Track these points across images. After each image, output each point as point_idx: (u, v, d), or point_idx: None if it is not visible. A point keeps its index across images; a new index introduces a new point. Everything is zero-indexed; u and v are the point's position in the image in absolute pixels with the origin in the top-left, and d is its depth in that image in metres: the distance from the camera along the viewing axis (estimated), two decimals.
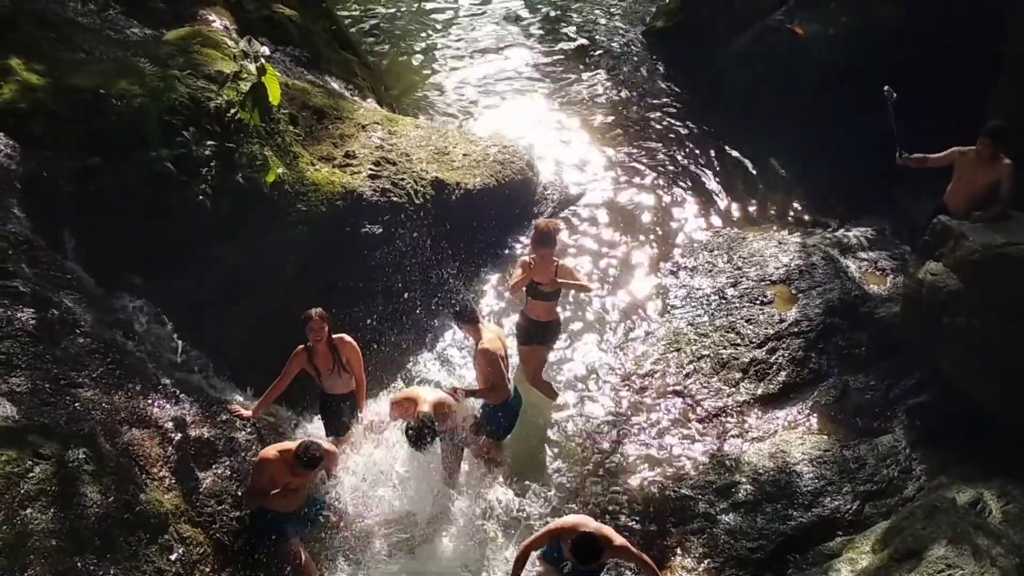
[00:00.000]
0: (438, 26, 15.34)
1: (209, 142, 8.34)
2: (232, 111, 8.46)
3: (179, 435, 7.22)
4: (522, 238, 10.95)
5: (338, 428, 8.25)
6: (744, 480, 8.27)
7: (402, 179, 9.94)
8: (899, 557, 6.60)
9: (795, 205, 11.87)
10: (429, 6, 15.87)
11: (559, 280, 8.62)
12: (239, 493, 7.26)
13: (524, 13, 15.94)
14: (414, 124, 11.35)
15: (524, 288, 8.76)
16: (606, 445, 8.87)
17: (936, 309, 8.79)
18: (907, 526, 6.92)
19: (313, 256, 8.95)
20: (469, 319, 8.23)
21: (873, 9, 12.41)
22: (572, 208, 11.68)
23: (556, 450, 8.91)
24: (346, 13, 15.24)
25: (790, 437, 8.68)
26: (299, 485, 7.13)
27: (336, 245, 9.09)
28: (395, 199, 9.72)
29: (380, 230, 9.48)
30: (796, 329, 9.69)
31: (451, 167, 10.68)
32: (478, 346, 8.06)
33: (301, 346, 7.78)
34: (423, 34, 15.14)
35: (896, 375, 9.17)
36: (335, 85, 11.37)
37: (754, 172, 12.39)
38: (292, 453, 6.91)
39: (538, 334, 9.02)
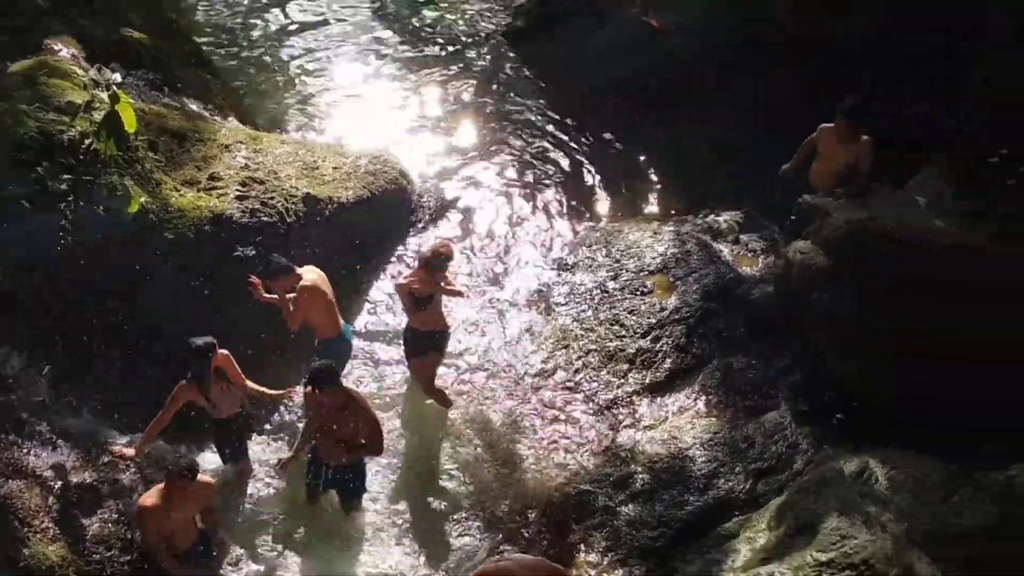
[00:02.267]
0: (299, 39, 15.04)
1: (65, 176, 8.00)
2: (87, 142, 8.14)
3: (59, 483, 6.96)
4: (401, 249, 10.87)
5: (236, 453, 8.06)
6: (640, 470, 8.38)
7: (271, 198, 9.75)
8: (794, 532, 6.78)
9: (666, 195, 12.09)
10: (289, 20, 15.53)
11: (440, 287, 8.58)
12: (128, 536, 7.01)
13: (384, 23, 15.78)
14: (279, 140, 11.12)
15: (407, 300, 8.71)
16: (502, 449, 8.86)
17: (806, 286, 9.08)
18: (799, 500, 7.12)
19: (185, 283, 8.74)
20: (282, 270, 8.23)
21: None
22: (449, 213, 11.65)
23: (453, 459, 8.87)
24: (202, 32, 14.81)
25: (680, 423, 8.83)
26: (180, 525, 6.92)
27: (208, 271, 8.87)
28: (266, 219, 9.54)
29: (253, 252, 9.27)
30: (677, 316, 9.87)
31: (322, 181, 10.51)
32: (300, 285, 8.23)
33: (184, 381, 7.55)
34: (284, 49, 14.83)
35: (775, 353, 9.42)
36: (193, 107, 11.05)
37: (624, 165, 12.55)
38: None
39: (425, 344, 8.95)
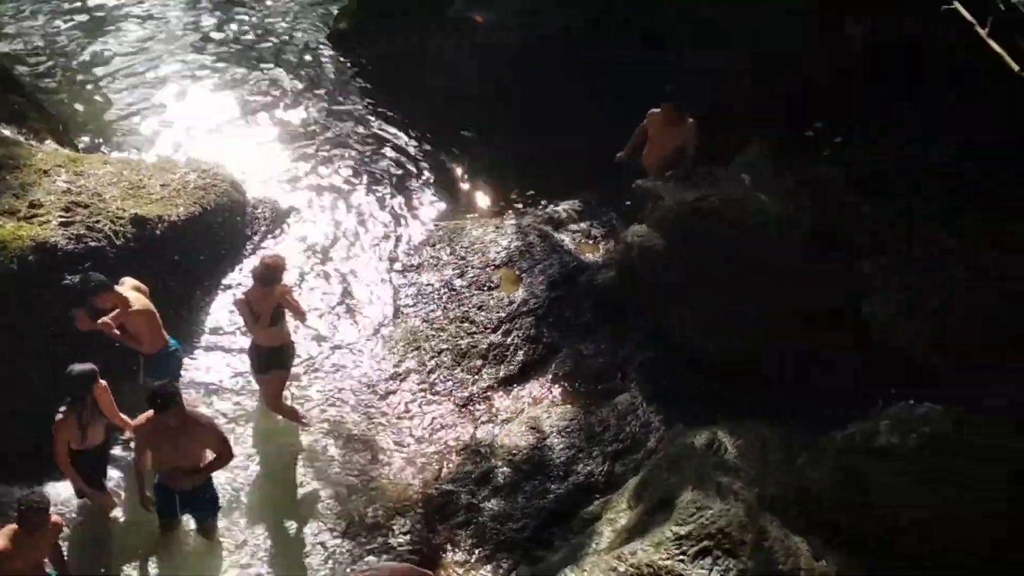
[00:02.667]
0: (115, 54, 14.40)
1: None
2: None
3: None
4: (238, 263, 10.60)
5: (97, 485, 7.77)
6: (501, 464, 8.45)
7: (97, 221, 9.35)
8: (653, 508, 6.96)
9: (505, 189, 12.16)
10: (102, 37, 14.86)
11: (282, 301, 8.39)
12: None
13: (204, 29, 15.33)
14: (102, 161, 10.64)
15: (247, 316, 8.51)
16: (360, 457, 8.76)
17: (647, 268, 9.35)
18: (655, 478, 7.32)
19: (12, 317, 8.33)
20: (102, 286, 7.93)
21: None
22: (286, 222, 11.41)
23: (311, 472, 8.69)
24: (8, 55, 14.02)
25: (537, 413, 8.94)
26: (29, 570, 6.57)
27: (35, 303, 8.44)
28: (93, 243, 9.15)
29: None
30: (525, 308, 9.99)
31: (150, 200, 10.10)
32: (131, 310, 7.99)
33: (60, 414, 7.23)
34: (100, 65, 14.18)
35: (622, 336, 9.66)
36: (7, 132, 10.48)
37: (461, 162, 12.57)
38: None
39: (271, 360, 8.74)
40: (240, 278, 10.50)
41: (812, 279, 8.86)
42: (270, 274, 8.31)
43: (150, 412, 7.14)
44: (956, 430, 6.78)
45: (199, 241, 10.21)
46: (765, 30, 11.01)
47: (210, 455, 7.41)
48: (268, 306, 8.36)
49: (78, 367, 7.32)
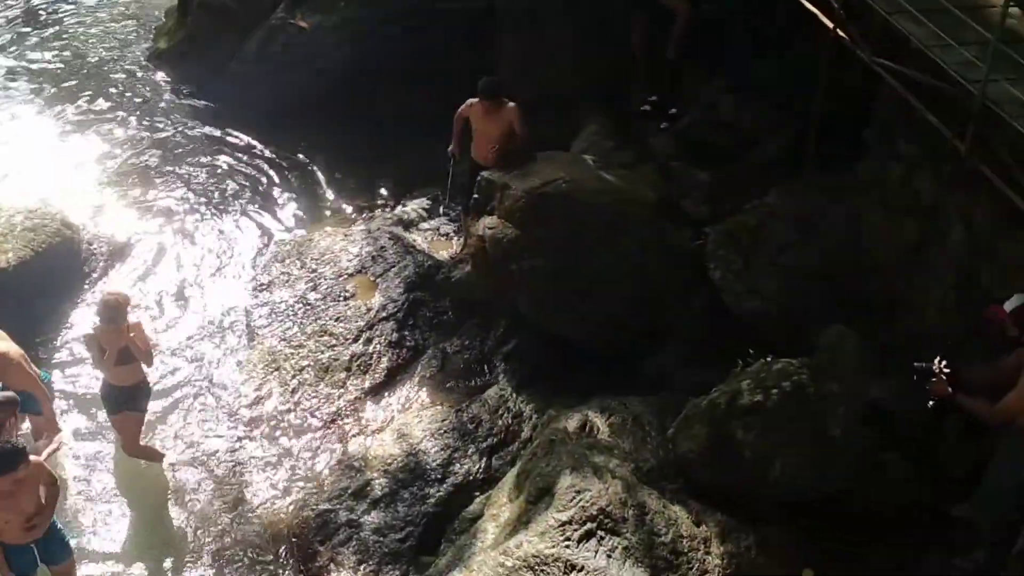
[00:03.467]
0: None
1: None
2: None
3: None
4: (78, 307, 10.12)
5: None
6: (376, 475, 8.28)
7: None
8: (534, 499, 6.94)
9: (349, 196, 11.95)
10: None
11: (131, 340, 8.04)
12: None
13: (15, 56, 14.57)
14: None
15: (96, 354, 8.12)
16: (231, 490, 8.46)
17: (501, 259, 9.32)
18: (532, 467, 7.30)
19: None
20: None
21: None
22: (125, 256, 10.94)
23: (183, 513, 8.34)
24: None
25: (407, 419, 8.82)
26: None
27: None
28: None
29: None
30: (384, 314, 9.83)
31: None
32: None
33: None
34: None
35: (485, 329, 9.62)
36: None
37: (299, 173, 12.30)
38: None
39: (125, 400, 8.35)
40: (80, 320, 10.00)
41: (661, 252, 9.04)
42: (112, 312, 7.97)
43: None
44: (813, 380, 6.99)
45: (33, 286, 9.73)
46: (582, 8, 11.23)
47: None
48: (116, 344, 8.01)
49: None
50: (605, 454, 7.15)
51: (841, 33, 7.87)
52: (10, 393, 7.39)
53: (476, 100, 9.76)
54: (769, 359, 7.28)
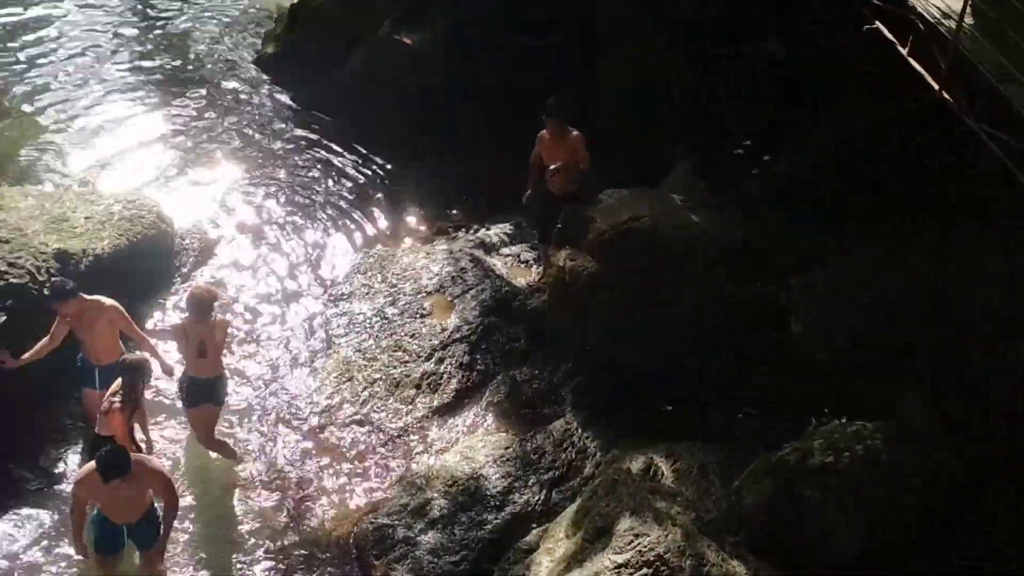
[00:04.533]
0: (37, 86, 14.06)
1: None
2: None
3: None
4: (167, 298, 10.37)
5: None
6: (436, 495, 8.31)
7: (19, 257, 9.14)
8: (591, 537, 6.90)
9: (435, 214, 12.07)
10: (23, 68, 14.49)
11: (215, 336, 8.28)
12: None
13: (127, 54, 15.07)
14: (23, 194, 10.39)
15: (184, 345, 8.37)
16: (295, 492, 8.60)
17: (580, 291, 9.33)
18: (592, 505, 7.25)
19: None
20: (70, 293, 8.15)
21: (473, 10, 12.91)
22: (215, 252, 11.21)
23: (246, 511, 8.51)
24: None
25: (472, 442, 8.84)
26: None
27: None
28: (15, 280, 8.92)
29: (5, 318, 8.67)
30: (458, 335, 9.88)
31: (73, 234, 9.88)
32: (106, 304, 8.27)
33: None
34: (13, 93, 13.83)
35: (556, 360, 9.60)
36: None
37: (389, 187, 12.46)
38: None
39: (204, 393, 8.55)
40: (168, 311, 10.28)
41: (743, 297, 8.92)
42: (201, 306, 8.19)
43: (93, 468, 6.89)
44: (887, 447, 6.83)
45: (126, 275, 9.95)
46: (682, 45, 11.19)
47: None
48: (199, 337, 8.23)
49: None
50: (667, 500, 7.07)
51: (947, 95, 7.69)
52: (143, 355, 7.85)
53: (542, 132, 9.79)
54: (844, 420, 7.14)
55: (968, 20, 7.54)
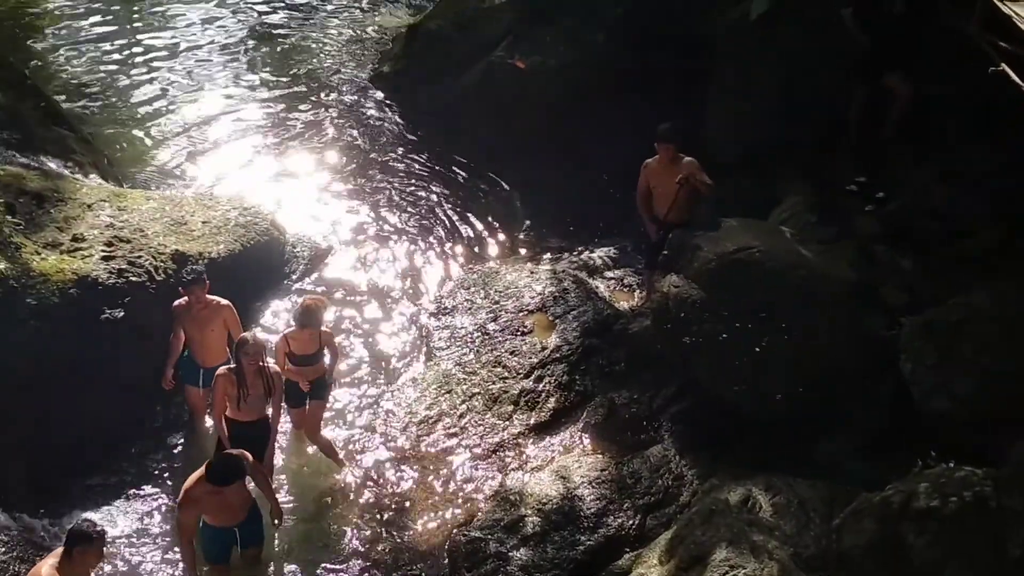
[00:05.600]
0: (162, 92, 14.70)
1: None
2: None
3: None
4: (277, 302, 10.68)
5: None
6: (530, 512, 8.33)
7: (139, 257, 9.52)
8: (685, 566, 6.84)
9: (540, 234, 12.17)
10: (149, 74, 15.16)
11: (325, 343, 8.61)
12: None
13: (247, 67, 15.61)
14: (145, 197, 10.81)
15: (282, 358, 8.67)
16: (390, 500, 8.75)
17: (684, 318, 9.26)
18: (688, 534, 7.19)
19: (51, 351, 8.46)
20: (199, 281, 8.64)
21: (587, 38, 13.04)
22: (324, 262, 11.50)
23: (342, 515, 8.70)
24: (58, 87, 14.32)
25: (567, 462, 8.84)
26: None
27: (75, 337, 8.57)
28: (134, 279, 9.33)
29: (122, 314, 9.04)
30: (558, 355, 9.92)
31: (191, 237, 10.27)
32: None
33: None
34: (143, 100, 14.46)
35: (656, 386, 9.54)
36: (52, 165, 10.69)
37: (497, 205, 12.62)
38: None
39: (305, 392, 8.80)
40: (278, 315, 10.58)
41: (852, 335, 8.76)
42: (310, 316, 8.45)
43: (202, 475, 7.09)
44: (996, 494, 6.62)
45: (239, 278, 10.27)
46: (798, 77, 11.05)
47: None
48: (306, 349, 8.47)
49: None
50: (765, 533, 6.97)
51: None
52: (255, 337, 8.15)
53: (650, 159, 9.75)
54: (952, 464, 6.95)
55: None
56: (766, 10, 10.91)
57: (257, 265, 10.72)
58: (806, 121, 11.15)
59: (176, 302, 8.70)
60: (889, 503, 6.84)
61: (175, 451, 9.18)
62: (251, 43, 16.27)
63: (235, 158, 13.34)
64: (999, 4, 8.17)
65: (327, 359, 8.80)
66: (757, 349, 8.60)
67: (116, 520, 8.42)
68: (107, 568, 7.88)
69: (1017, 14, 7.99)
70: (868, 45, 10.23)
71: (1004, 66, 8.24)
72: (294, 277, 11.15)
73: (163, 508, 8.61)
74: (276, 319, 10.52)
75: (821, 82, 11.02)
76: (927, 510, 6.66)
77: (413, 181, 13.02)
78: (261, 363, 7.99)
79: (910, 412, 8.24)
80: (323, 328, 8.76)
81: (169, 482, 8.81)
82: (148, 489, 8.80)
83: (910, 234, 9.82)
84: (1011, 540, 6.49)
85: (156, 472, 8.97)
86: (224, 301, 8.73)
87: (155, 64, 15.39)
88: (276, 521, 7.79)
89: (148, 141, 13.60)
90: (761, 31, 11.25)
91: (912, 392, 8.21)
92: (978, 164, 9.86)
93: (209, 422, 8.86)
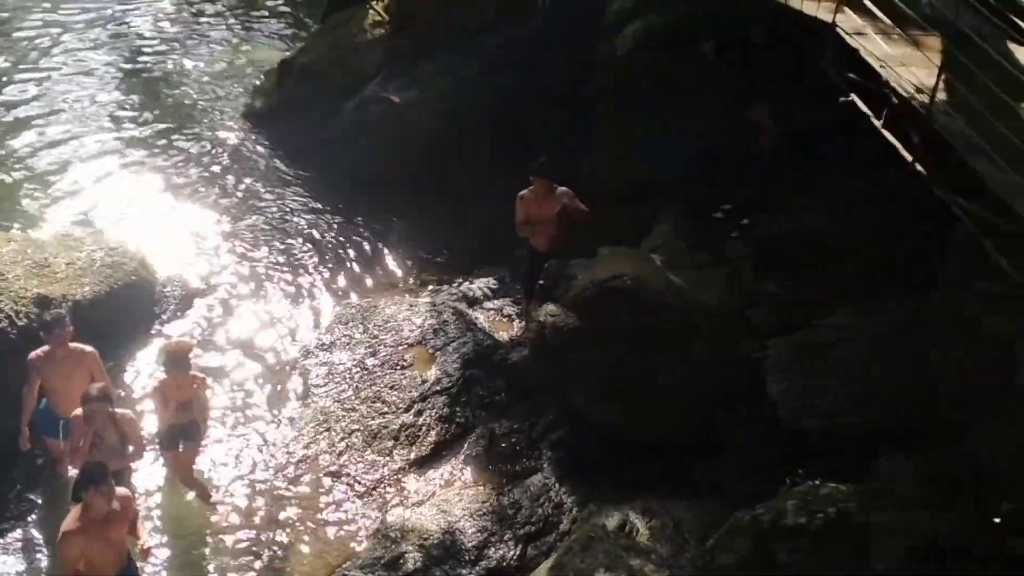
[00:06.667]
0: (24, 130, 14.19)
1: None
2: None
3: None
4: (144, 349, 10.38)
5: None
6: (411, 548, 8.23)
7: None
8: None
9: (419, 267, 12.16)
10: (11, 112, 14.63)
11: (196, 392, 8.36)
12: None
13: (118, 102, 15.22)
14: (5, 239, 10.43)
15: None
16: (268, 542, 8.52)
17: (561, 347, 9.35)
18: (568, 562, 7.22)
19: None
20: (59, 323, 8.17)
21: (462, 71, 13.13)
22: (197, 302, 11.22)
23: (219, 558, 8.43)
24: None
25: (449, 495, 8.79)
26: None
27: None
28: None
29: None
30: (439, 387, 9.89)
31: (54, 280, 9.92)
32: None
33: None
34: (7, 140, 13.93)
35: (536, 415, 9.59)
36: None
37: (374, 239, 12.55)
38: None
39: (182, 434, 8.56)
40: (146, 359, 10.26)
41: (724, 358, 8.96)
42: (174, 359, 8.25)
43: (77, 510, 6.77)
44: (860, 510, 6.83)
45: (105, 322, 9.92)
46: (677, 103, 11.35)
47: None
48: (178, 397, 8.29)
49: None
50: (642, 557, 7.06)
51: (920, 167, 7.81)
52: (105, 384, 7.73)
53: (526, 192, 9.87)
54: (818, 482, 7.14)
55: (941, 95, 7.69)
56: (634, 45, 11.15)
57: (125, 308, 10.39)
58: (680, 151, 11.43)
59: (33, 353, 8.28)
60: (760, 521, 6.99)
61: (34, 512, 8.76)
62: (120, 75, 15.94)
63: (102, 197, 12.92)
64: (846, 37, 8.51)
65: (199, 401, 8.56)
66: (633, 375, 8.72)
67: None
68: None
69: (863, 47, 8.34)
70: (733, 77, 10.56)
71: (854, 96, 8.59)
72: (165, 318, 10.85)
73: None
74: (147, 364, 10.18)
75: (692, 113, 11.32)
76: (796, 527, 6.84)
77: (287, 217, 12.86)
78: (111, 410, 7.68)
79: (783, 432, 8.46)
80: (193, 372, 8.51)
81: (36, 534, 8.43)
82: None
83: (779, 258, 10.12)
84: (875, 553, 6.71)
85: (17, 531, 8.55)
86: (88, 348, 8.39)
87: (16, 97, 14.86)
88: (143, 555, 7.42)
89: (8, 180, 13.09)
90: (633, 64, 11.51)
91: (781, 413, 8.42)
92: (844, 190, 10.24)
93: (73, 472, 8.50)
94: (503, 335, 10.74)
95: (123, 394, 9.69)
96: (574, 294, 9.47)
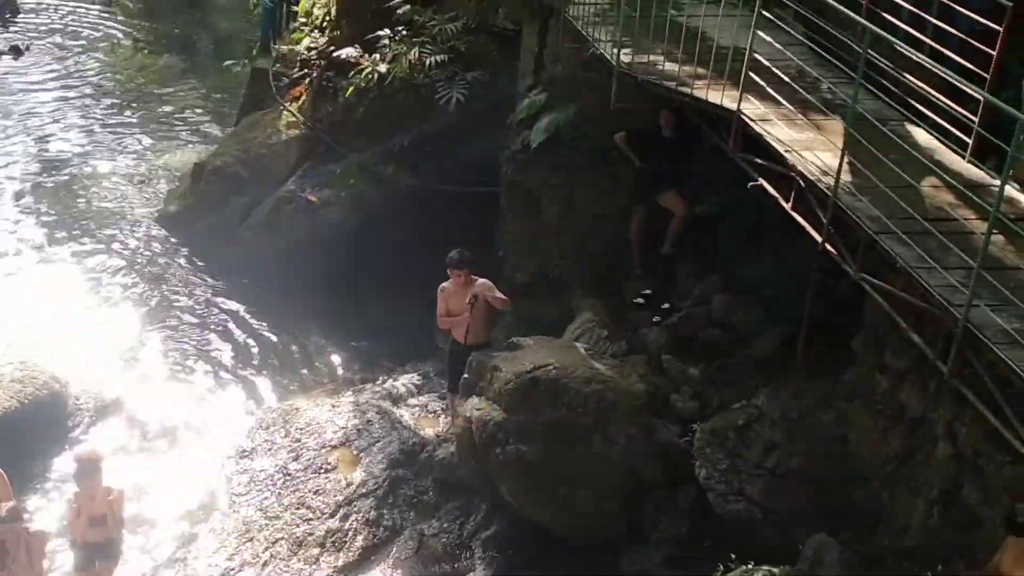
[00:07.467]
0: None
1: None
2: None
3: None
4: (59, 460, 10.01)
5: None
6: None
7: None
8: None
9: (341, 367, 12.08)
10: None
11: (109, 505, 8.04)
12: None
13: (27, 212, 14.94)
14: None
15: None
16: None
17: (487, 441, 9.25)
18: None
19: None
20: None
21: (376, 169, 13.22)
22: (111, 414, 10.92)
23: None
24: None
25: None
26: None
27: None
28: None
29: None
30: (364, 489, 9.71)
31: None
32: None
33: None
34: None
35: (466, 513, 9.44)
36: None
37: (295, 341, 12.44)
38: None
39: (98, 553, 8.20)
40: (59, 473, 9.90)
41: (649, 446, 8.98)
42: (85, 470, 8.00)
43: None
44: None
45: (15, 438, 9.63)
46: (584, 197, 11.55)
47: None
48: (90, 509, 7.98)
49: None
50: None
51: (829, 248, 8.01)
52: (14, 504, 7.53)
53: (447, 284, 9.86)
54: (750, 565, 7.14)
55: (846, 176, 7.94)
56: (544, 139, 11.35)
57: (36, 422, 10.11)
58: (593, 240, 11.62)
59: None
60: None
61: None
62: (30, 176, 15.71)
63: (11, 307, 12.59)
64: (751, 124, 8.78)
65: (114, 517, 8.24)
66: (558, 466, 8.67)
67: None
68: None
69: (768, 132, 8.62)
70: (642, 168, 10.79)
71: (761, 180, 8.83)
72: (78, 431, 10.55)
73: None
74: (60, 480, 9.82)
75: (603, 203, 11.53)
76: None
77: (203, 322, 12.70)
78: (21, 528, 7.42)
79: (711, 517, 8.48)
80: (107, 484, 8.21)
81: None
82: None
83: (695, 343, 10.26)
84: None
85: None
86: None
87: None
88: None
89: None
90: (542, 158, 11.71)
91: (709, 498, 8.45)
92: (751, 275, 10.47)
93: None
94: (429, 432, 10.62)
95: (33, 511, 9.32)
96: (498, 386, 9.41)
